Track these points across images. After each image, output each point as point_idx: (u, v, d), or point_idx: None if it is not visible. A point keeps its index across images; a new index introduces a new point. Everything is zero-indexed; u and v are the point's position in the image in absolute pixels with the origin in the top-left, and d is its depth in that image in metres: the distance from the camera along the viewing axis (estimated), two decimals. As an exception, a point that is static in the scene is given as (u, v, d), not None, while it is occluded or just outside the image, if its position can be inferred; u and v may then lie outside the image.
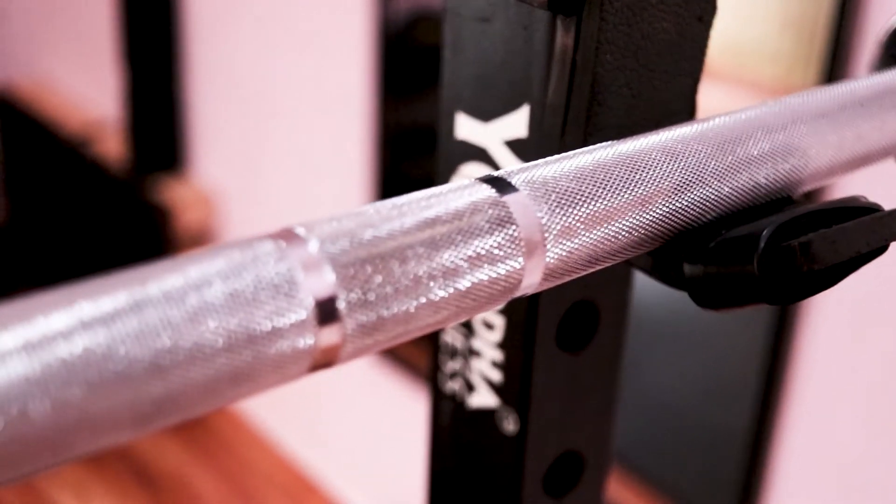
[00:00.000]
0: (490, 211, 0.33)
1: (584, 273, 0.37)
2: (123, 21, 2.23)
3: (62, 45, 2.65)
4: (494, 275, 0.33)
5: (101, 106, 2.48)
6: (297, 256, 0.29)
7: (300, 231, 0.30)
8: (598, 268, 0.38)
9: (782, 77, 1.33)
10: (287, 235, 0.30)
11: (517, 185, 0.35)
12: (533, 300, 0.48)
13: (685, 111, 0.47)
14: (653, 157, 0.38)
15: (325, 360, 0.30)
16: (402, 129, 1.80)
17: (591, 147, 0.38)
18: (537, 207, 0.34)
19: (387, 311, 0.30)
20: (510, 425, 0.51)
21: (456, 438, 0.55)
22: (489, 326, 0.51)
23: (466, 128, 0.49)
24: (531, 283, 0.35)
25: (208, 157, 2.23)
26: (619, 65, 0.44)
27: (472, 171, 0.49)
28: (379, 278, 0.30)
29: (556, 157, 0.37)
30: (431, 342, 0.55)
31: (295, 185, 2.03)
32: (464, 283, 0.32)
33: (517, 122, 0.46)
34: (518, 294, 0.35)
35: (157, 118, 2.24)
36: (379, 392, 1.96)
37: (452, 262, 0.32)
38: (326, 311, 0.29)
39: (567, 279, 0.36)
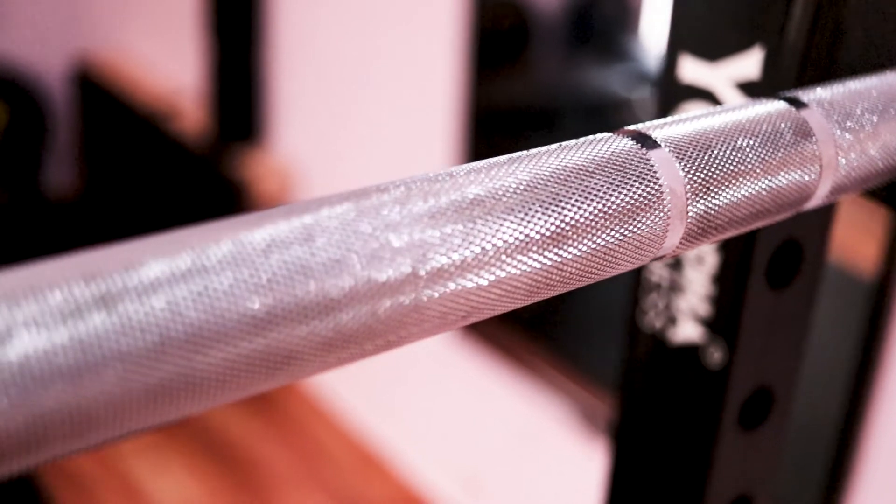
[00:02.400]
0: (792, 124, 0.36)
1: (855, 193, 0.40)
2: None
3: (141, 16, 2.69)
4: (794, 180, 0.36)
5: (180, 76, 2.52)
6: (653, 153, 0.32)
7: (649, 131, 0.32)
8: (864, 189, 0.40)
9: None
10: (635, 134, 0.32)
11: (807, 103, 0.37)
12: (749, 236, 0.51)
13: (906, 58, 0.50)
14: (914, 88, 0.41)
15: (668, 248, 0.32)
16: (488, 105, 1.82)
17: (852, 76, 0.41)
18: (829, 124, 0.37)
19: (718, 205, 0.33)
20: (715, 359, 0.54)
21: (653, 373, 0.57)
22: (700, 261, 0.53)
23: (691, 68, 0.51)
24: (821, 194, 0.37)
25: (288, 128, 2.26)
26: (859, 9, 0.46)
27: (692, 109, 0.51)
28: (714, 176, 0.33)
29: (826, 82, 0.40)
30: (633, 280, 0.57)
31: (375, 157, 2.06)
32: (770, 185, 0.35)
33: (748, 64, 0.49)
34: (806, 206, 0.37)
35: (239, 88, 2.27)
36: (452, 368, 1.98)
37: (764, 164, 0.35)
38: (677, 202, 0.32)
39: (841, 197, 0.39)
